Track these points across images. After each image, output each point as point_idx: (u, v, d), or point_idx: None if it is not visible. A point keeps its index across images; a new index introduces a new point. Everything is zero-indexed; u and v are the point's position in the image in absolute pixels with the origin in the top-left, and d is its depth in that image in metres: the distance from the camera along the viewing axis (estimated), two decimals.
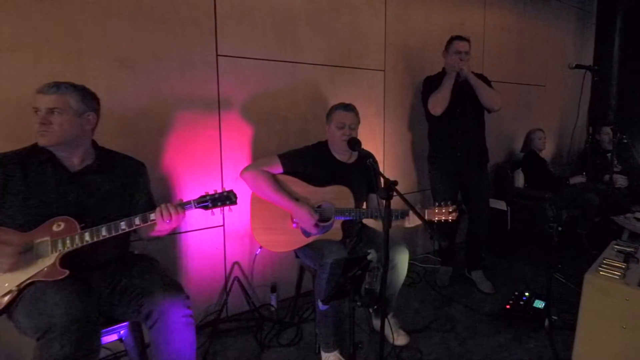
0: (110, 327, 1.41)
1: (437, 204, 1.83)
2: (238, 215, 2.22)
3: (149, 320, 1.35)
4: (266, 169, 1.92)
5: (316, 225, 1.87)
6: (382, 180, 1.46)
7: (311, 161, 1.99)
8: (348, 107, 2.01)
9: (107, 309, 1.41)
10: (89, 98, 1.43)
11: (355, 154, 2.05)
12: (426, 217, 1.81)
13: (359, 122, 2.04)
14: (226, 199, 1.45)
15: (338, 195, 1.94)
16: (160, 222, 1.37)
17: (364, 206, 2.12)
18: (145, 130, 1.95)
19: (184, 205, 1.41)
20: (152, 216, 1.37)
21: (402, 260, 1.95)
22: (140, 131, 1.93)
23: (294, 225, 1.95)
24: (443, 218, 1.81)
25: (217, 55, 2.13)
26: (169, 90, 2.00)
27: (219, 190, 1.46)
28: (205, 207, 1.43)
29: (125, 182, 1.51)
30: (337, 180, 1.96)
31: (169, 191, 2.04)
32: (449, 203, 1.82)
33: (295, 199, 1.90)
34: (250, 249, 2.34)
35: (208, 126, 2.15)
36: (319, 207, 1.94)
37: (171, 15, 1.97)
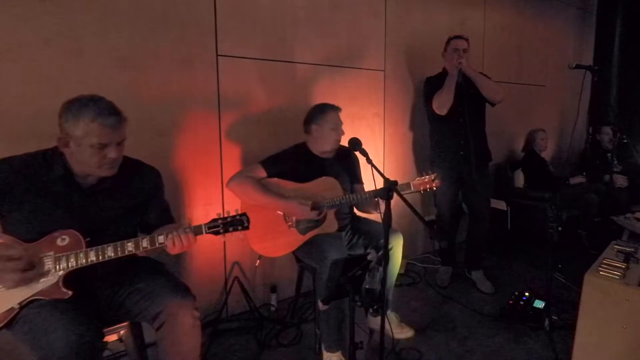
0: (110, 327, 1.40)
1: (419, 174, 1.96)
2: None
3: (156, 321, 1.34)
4: (250, 175, 1.93)
5: (313, 209, 1.87)
6: (377, 178, 1.47)
7: (292, 159, 2.01)
8: (337, 108, 2.05)
9: (110, 310, 1.40)
10: None
11: (334, 150, 2.08)
12: (412, 190, 1.92)
13: None
14: (239, 223, 1.39)
15: (326, 187, 1.96)
16: (171, 247, 1.34)
17: None
18: (145, 130, 1.95)
19: (195, 232, 1.36)
20: (161, 239, 1.32)
21: (396, 245, 2.00)
22: (140, 131, 1.92)
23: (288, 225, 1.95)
24: (428, 187, 1.93)
25: (217, 55, 2.13)
26: (169, 90, 2.00)
27: (232, 213, 1.40)
28: (216, 233, 1.38)
29: (139, 201, 1.46)
30: (321, 174, 1.99)
31: (168, 192, 2.03)
32: (429, 172, 1.95)
33: (284, 197, 1.91)
34: (250, 249, 2.33)
35: (208, 126, 2.14)
36: None
37: (171, 15, 1.97)
